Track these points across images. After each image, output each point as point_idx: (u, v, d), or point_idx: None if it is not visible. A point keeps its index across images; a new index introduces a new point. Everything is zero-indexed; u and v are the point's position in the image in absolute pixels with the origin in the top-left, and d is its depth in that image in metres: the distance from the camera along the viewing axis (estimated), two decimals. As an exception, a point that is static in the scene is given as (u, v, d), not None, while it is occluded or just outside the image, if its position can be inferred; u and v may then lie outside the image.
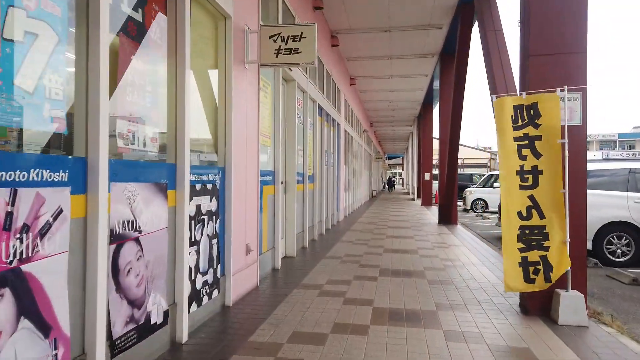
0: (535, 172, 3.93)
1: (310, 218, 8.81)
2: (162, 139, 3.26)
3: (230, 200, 4.29)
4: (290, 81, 7.04)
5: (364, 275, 5.79)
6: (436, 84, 17.20)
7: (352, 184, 16.73)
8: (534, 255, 3.96)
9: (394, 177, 62.22)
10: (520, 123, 3.97)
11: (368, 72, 15.00)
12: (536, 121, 3.93)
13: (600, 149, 69.32)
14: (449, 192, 12.08)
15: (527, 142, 3.96)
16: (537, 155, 3.92)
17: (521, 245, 3.97)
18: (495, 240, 9.83)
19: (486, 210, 17.74)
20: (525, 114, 3.97)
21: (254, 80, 5.01)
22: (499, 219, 10.14)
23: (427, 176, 21.25)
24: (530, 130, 3.95)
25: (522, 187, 3.95)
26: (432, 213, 16.13)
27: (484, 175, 24.08)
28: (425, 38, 11.38)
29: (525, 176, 3.95)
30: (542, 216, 3.93)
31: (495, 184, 17.51)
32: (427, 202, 20.96)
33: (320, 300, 4.58)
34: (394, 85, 16.91)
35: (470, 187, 19.90)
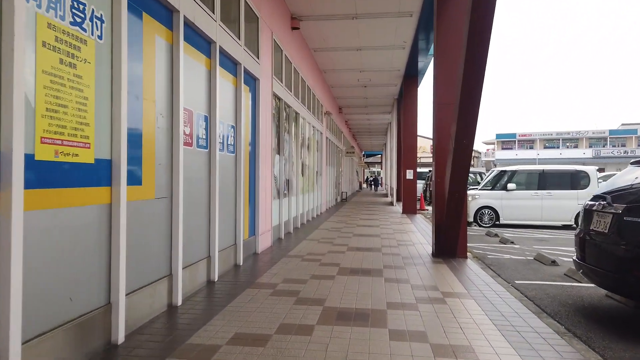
0: None
1: (95, 287, 3.04)
2: None
3: None
4: None
5: None
6: (422, 41, 11.65)
7: (298, 185, 11.03)
8: None
9: (377, 176, 56.81)
10: None
11: (318, 6, 9.33)
12: None
13: (590, 146, 65.28)
14: (454, 206, 6.45)
15: None
16: None
17: None
18: (593, 326, 4.22)
19: (497, 223, 12.21)
20: None
21: None
22: (580, 262, 4.55)
23: (409, 174, 15.79)
24: None
25: None
26: (419, 228, 10.54)
27: (482, 172, 18.64)
28: None
29: None
30: None
31: (509, 185, 12.00)
32: (409, 209, 15.44)
33: None
34: (362, 37, 11.27)
35: (471, 189, 14.39)
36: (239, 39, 6.11)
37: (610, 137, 65.12)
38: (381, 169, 60.66)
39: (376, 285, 5.12)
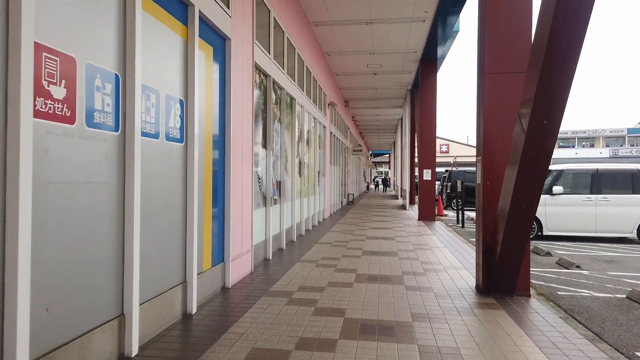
0: None
1: None
2: None
3: None
4: None
5: None
6: (445, 12, 9.50)
7: (294, 187, 8.87)
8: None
9: (386, 176, 54.50)
10: None
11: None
12: None
13: (607, 145, 62.46)
14: (520, 225, 4.25)
15: None
16: None
17: None
18: None
19: (539, 234, 9.95)
20: None
21: None
22: None
23: (426, 174, 13.59)
24: None
25: None
26: (445, 242, 8.34)
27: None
28: None
29: None
30: None
31: (555, 188, 9.74)
32: (427, 215, 13.23)
33: None
34: (374, 5, 9.09)
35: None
36: (191, -33, 3.96)
37: (628, 136, 62.36)
38: (389, 168, 58.26)
39: (408, 367, 2.96)
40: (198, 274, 4.27)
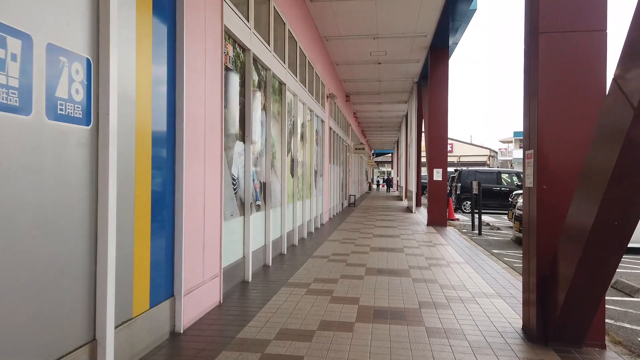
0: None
1: None
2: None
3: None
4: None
5: None
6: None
7: (284, 190, 7.43)
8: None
9: (389, 176, 53.13)
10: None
11: None
12: None
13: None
14: (602, 244, 2.81)
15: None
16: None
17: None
18: None
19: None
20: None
21: None
22: None
23: (437, 174, 12.20)
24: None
25: None
26: (465, 255, 6.89)
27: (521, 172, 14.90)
28: None
29: None
30: None
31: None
32: (437, 219, 11.82)
33: None
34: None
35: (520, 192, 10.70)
36: None
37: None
38: (391, 168, 56.77)
39: None
40: (124, 322, 2.86)
